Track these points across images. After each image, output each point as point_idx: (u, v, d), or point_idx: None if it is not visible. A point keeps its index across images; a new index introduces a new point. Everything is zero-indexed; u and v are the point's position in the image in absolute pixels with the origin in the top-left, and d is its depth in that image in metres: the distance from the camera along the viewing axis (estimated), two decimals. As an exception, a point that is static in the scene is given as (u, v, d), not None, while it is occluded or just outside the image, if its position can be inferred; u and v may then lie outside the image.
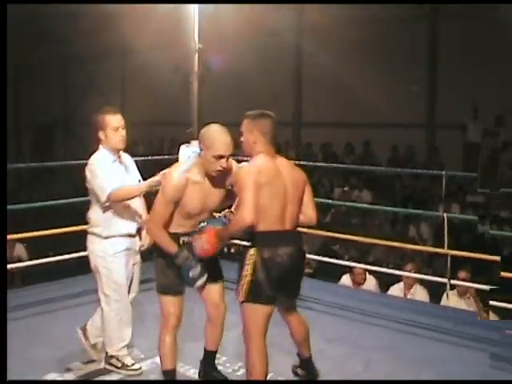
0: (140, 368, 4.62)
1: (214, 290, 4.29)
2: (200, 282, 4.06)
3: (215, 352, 4.45)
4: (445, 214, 6.29)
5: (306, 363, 4.49)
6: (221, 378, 4.46)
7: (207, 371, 4.47)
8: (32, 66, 20.28)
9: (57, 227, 6.56)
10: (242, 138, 4.10)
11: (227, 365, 4.74)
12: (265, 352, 3.95)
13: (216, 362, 4.69)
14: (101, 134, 4.45)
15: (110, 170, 4.39)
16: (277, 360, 4.46)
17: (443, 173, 6.49)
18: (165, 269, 4.07)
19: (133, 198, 4.44)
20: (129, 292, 4.62)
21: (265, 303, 3.93)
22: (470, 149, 12.11)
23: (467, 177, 9.09)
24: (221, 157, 3.87)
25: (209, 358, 4.46)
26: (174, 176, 3.93)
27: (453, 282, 6.26)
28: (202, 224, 4.03)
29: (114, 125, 4.43)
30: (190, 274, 3.98)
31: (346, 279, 7.87)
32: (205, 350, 4.46)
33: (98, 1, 15.48)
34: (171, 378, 4.19)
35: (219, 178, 4.04)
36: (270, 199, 3.86)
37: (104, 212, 4.44)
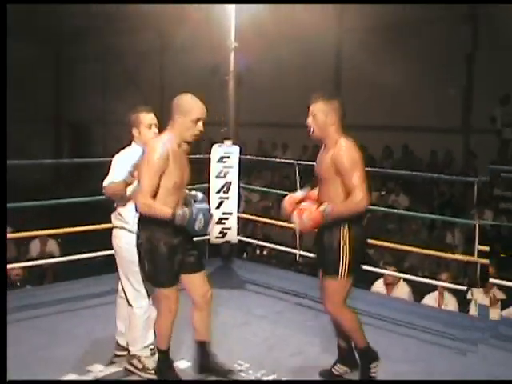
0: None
1: (198, 279, 4.25)
2: (211, 227, 4.14)
3: (209, 342, 4.38)
4: (476, 222, 6.05)
5: (344, 353, 4.46)
6: (222, 368, 4.42)
7: (205, 363, 4.40)
8: (72, 64, 20.45)
9: (92, 224, 6.51)
10: (313, 120, 4.15)
11: (250, 372, 4.60)
12: (354, 311, 4.27)
13: (239, 368, 4.61)
14: (134, 131, 4.53)
15: (132, 164, 4.37)
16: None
17: (476, 179, 6.21)
18: (156, 258, 4.02)
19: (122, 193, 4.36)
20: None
21: (354, 277, 4.18)
22: (504, 144, 11.82)
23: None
24: (198, 120, 4.03)
25: (204, 349, 4.37)
26: (157, 146, 3.95)
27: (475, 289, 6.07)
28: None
29: (147, 122, 4.50)
30: (196, 228, 3.94)
31: (379, 284, 7.72)
32: (198, 342, 4.37)
33: (98, 1, 15.58)
34: (167, 357, 4.25)
35: (184, 152, 4.14)
36: (365, 178, 4.06)
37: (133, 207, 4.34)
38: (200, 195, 4.25)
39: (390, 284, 7.60)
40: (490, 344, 5.36)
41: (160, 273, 4.05)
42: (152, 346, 4.46)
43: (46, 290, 6.82)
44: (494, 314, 6.37)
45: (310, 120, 4.17)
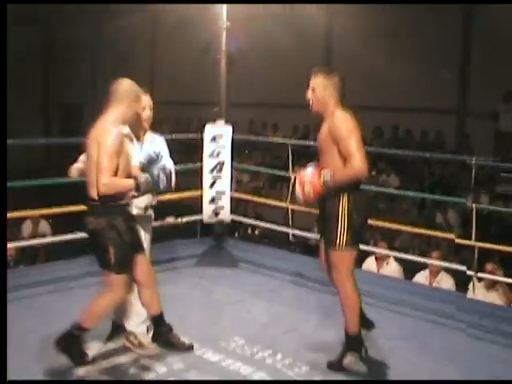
0: (156, 348, 4.49)
1: (143, 259, 4.22)
2: (173, 181, 4.20)
3: (162, 314, 4.37)
4: (473, 205, 6.06)
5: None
6: (180, 342, 4.47)
7: (163, 336, 4.40)
8: (62, 44, 20.32)
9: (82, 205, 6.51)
10: (313, 94, 4.23)
11: (245, 348, 4.62)
12: (358, 290, 4.24)
13: (234, 344, 4.64)
14: None
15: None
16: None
17: (473, 159, 6.11)
18: (121, 244, 4.01)
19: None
20: None
21: (357, 247, 4.24)
22: (501, 138, 11.84)
23: (498, 166, 8.85)
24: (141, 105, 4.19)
25: (160, 322, 4.37)
26: (113, 128, 3.95)
27: (480, 275, 6.07)
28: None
29: (143, 103, 4.42)
30: (162, 187, 4.10)
31: (370, 260, 7.78)
32: (153, 317, 4.35)
33: (99, 1, 15.48)
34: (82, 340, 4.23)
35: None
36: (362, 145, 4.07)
37: None
38: (150, 154, 4.18)
39: (381, 259, 7.65)
40: (482, 325, 5.38)
41: (123, 258, 4.03)
42: (148, 322, 4.48)
43: (39, 269, 6.81)
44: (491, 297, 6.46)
45: (309, 94, 4.25)
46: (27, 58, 19.81)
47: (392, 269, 7.66)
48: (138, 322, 4.50)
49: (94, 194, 3.96)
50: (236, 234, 9.14)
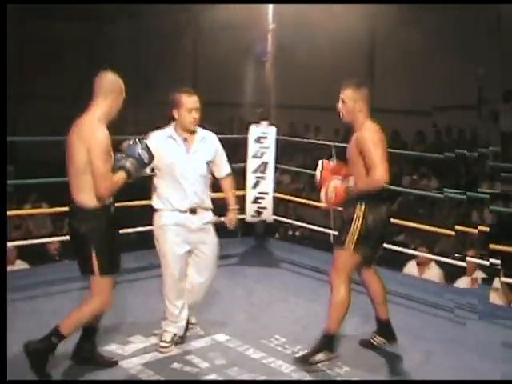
0: (169, 351, 4.55)
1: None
2: (152, 151, 4.05)
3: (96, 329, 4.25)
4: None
5: (384, 326, 4.64)
6: (103, 359, 4.30)
7: (86, 348, 4.22)
8: (106, 41, 20.52)
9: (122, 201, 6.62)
10: (343, 106, 4.38)
11: (286, 346, 4.68)
12: (350, 296, 4.36)
13: (276, 343, 4.71)
14: (174, 113, 4.49)
15: (154, 148, 4.22)
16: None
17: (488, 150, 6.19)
18: (104, 245, 3.93)
19: None
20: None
21: (364, 255, 4.35)
22: (503, 138, 11.64)
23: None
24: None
25: (91, 336, 4.24)
26: (100, 127, 3.82)
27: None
28: None
29: (188, 106, 4.45)
30: (146, 161, 4.01)
31: (411, 265, 7.76)
32: (88, 328, 4.19)
33: (101, 1, 15.58)
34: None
35: None
36: (386, 158, 4.19)
37: (155, 185, 4.61)
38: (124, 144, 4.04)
39: (422, 264, 7.63)
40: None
41: (107, 261, 3.95)
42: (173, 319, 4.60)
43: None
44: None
45: (340, 105, 4.41)
46: (73, 54, 20.12)
47: (433, 273, 7.63)
48: (168, 321, 4.62)
49: (81, 198, 3.84)
50: (276, 235, 9.18)
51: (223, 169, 4.77)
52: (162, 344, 4.56)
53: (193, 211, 4.53)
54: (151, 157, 4.01)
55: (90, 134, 3.75)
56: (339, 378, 4.28)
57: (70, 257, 8.61)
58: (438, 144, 13.73)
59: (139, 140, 4.03)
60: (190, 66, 19.86)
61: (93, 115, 3.86)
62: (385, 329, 4.65)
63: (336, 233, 4.50)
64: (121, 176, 3.87)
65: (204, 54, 19.00)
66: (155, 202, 4.60)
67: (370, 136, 4.22)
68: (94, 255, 3.89)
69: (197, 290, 4.68)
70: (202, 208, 4.57)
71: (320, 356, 4.36)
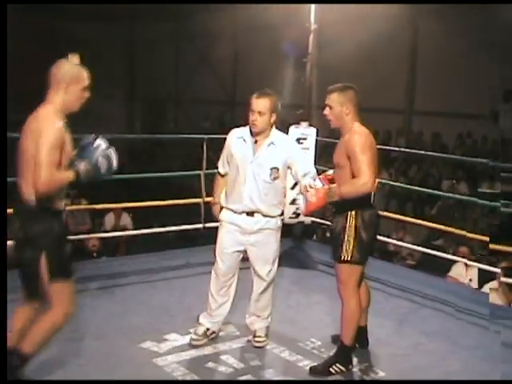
0: (200, 344, 4.62)
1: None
2: (115, 163, 3.62)
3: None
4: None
5: (360, 332, 4.52)
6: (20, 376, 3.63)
7: (12, 365, 3.55)
8: (147, 41, 20.67)
9: (163, 199, 6.67)
10: (330, 111, 4.28)
11: (322, 350, 4.64)
12: (360, 305, 4.35)
13: (311, 346, 4.69)
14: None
15: (227, 144, 4.62)
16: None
17: None
18: (61, 244, 3.63)
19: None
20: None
21: (364, 263, 4.33)
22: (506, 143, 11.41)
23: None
24: (86, 88, 3.67)
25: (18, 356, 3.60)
26: (53, 119, 3.47)
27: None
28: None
29: (251, 107, 4.45)
30: (103, 172, 3.56)
31: (460, 265, 7.69)
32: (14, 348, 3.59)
33: (103, 1, 15.63)
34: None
35: None
36: (373, 164, 4.14)
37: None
38: (85, 141, 3.65)
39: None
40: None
41: (63, 265, 3.60)
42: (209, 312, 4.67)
43: (122, 261, 6.99)
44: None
45: (327, 111, 4.31)
46: (113, 55, 20.32)
47: (475, 272, 7.55)
48: (204, 313, 4.71)
49: (29, 195, 3.47)
50: (314, 237, 9.13)
51: (299, 172, 4.55)
52: (194, 337, 4.63)
53: (249, 214, 4.51)
54: (110, 166, 3.60)
55: (42, 126, 3.43)
56: None
57: (107, 254, 8.74)
58: (475, 148, 13.53)
59: (102, 143, 3.62)
60: (229, 65, 19.89)
61: (48, 108, 3.54)
62: (360, 335, 4.55)
63: (331, 242, 4.39)
64: (67, 175, 3.48)
65: (244, 54, 19.02)
66: (222, 196, 4.67)
67: (358, 140, 4.15)
68: (42, 259, 3.50)
69: (255, 292, 4.70)
70: (259, 213, 4.51)
71: (337, 368, 4.30)
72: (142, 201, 6.73)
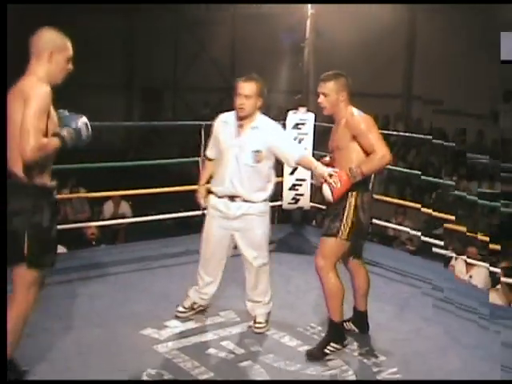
0: (183, 314, 4.78)
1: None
2: (89, 130, 3.57)
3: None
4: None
5: (360, 316, 4.69)
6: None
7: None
8: (146, 29, 20.59)
9: (161, 187, 6.67)
10: (325, 99, 4.29)
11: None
12: (341, 281, 4.35)
13: (312, 331, 4.70)
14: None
15: (214, 129, 4.66)
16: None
17: None
18: (41, 230, 3.39)
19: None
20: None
21: (354, 241, 4.33)
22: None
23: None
24: (70, 58, 3.52)
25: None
26: (40, 84, 3.32)
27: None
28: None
29: (237, 91, 4.44)
30: (84, 137, 3.53)
31: (460, 263, 7.68)
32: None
33: (102, 1, 15.58)
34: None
35: None
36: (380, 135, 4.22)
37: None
38: (62, 112, 3.57)
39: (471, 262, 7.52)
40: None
41: (42, 250, 3.41)
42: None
43: (121, 248, 6.98)
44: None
45: (321, 99, 4.32)
46: (111, 44, 20.26)
47: (480, 272, 7.53)
48: (193, 289, 4.84)
49: (17, 167, 3.31)
50: (314, 222, 9.12)
51: (289, 157, 4.52)
52: (180, 309, 4.78)
53: (231, 198, 4.51)
54: (89, 135, 3.57)
55: (29, 90, 3.25)
56: (375, 368, 4.23)
57: (106, 242, 8.74)
58: (480, 146, 13.43)
59: (77, 115, 3.59)
60: (228, 52, 19.83)
61: (32, 78, 3.35)
62: (360, 320, 4.70)
63: (327, 221, 4.36)
64: (53, 141, 3.32)
65: (242, 40, 18.95)
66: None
67: (361, 119, 4.22)
68: (25, 240, 3.33)
69: (248, 278, 4.69)
70: (239, 198, 4.50)
71: (330, 347, 4.32)
72: (140, 188, 6.72)
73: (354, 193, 4.22)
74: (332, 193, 4.17)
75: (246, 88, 4.42)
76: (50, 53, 3.39)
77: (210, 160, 4.74)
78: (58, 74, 3.45)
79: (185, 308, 4.79)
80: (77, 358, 4.07)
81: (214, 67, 19.20)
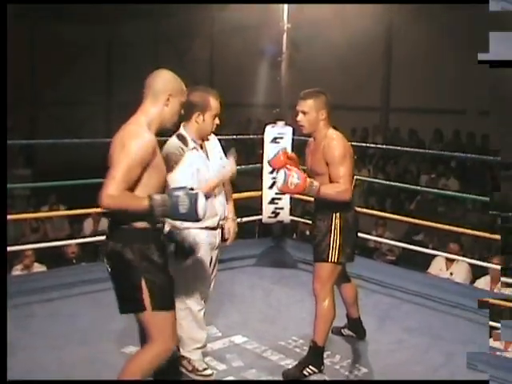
0: (212, 374, 4.24)
1: None
2: (201, 210, 3.12)
3: None
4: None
5: (354, 323, 4.82)
6: None
7: None
8: (124, 44, 20.58)
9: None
10: (304, 117, 4.20)
11: (304, 348, 4.57)
12: (335, 308, 4.31)
13: (294, 344, 4.69)
14: (195, 116, 3.97)
15: (189, 164, 3.97)
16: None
17: None
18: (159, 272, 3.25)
19: None
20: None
21: (344, 261, 4.35)
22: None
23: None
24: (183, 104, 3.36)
25: None
26: (142, 132, 3.14)
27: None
28: None
29: (215, 112, 4.00)
30: (182, 211, 3.09)
31: (440, 259, 7.78)
32: None
33: (101, 1, 15.63)
34: None
35: None
36: (352, 171, 4.20)
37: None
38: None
39: (451, 259, 7.59)
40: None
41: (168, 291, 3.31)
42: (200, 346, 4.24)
43: (102, 266, 6.88)
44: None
45: (300, 117, 4.24)
46: (90, 57, 20.23)
47: (461, 268, 7.61)
48: (191, 349, 4.19)
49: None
50: (294, 235, 9.15)
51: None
52: (206, 372, 4.23)
53: (219, 226, 4.17)
54: (192, 213, 3.12)
55: (126, 135, 3.11)
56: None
57: (86, 259, 8.69)
58: (457, 145, 13.61)
59: (188, 188, 3.17)
60: (205, 66, 19.87)
61: (138, 119, 3.21)
62: (356, 326, 4.83)
63: (314, 243, 4.34)
64: (138, 201, 3.09)
65: (219, 54, 19.03)
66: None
67: (337, 147, 4.14)
68: (143, 285, 3.21)
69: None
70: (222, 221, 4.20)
71: (310, 370, 4.26)
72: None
73: (338, 214, 4.21)
74: (283, 184, 4.00)
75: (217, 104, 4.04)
76: (169, 95, 3.24)
77: None
78: (171, 119, 3.30)
79: (205, 368, 4.23)
80: (59, 377, 4.04)
81: (191, 81, 19.22)
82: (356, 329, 4.83)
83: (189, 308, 4.08)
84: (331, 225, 4.22)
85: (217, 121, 4.04)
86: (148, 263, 3.18)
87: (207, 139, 4.09)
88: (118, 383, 3.78)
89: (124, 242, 3.20)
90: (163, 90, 3.23)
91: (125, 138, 3.10)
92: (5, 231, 3.28)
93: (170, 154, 3.86)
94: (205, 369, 4.20)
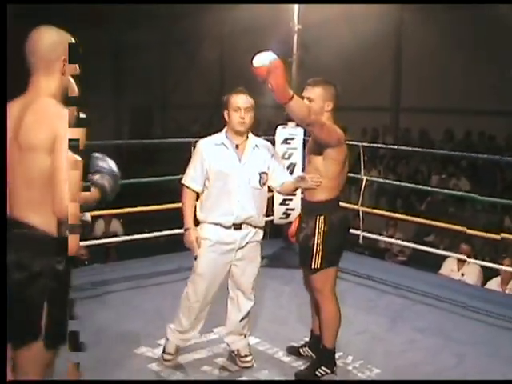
0: (169, 362, 4.34)
1: None
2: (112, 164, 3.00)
3: None
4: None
5: (317, 341, 4.38)
6: None
7: None
8: (133, 46, 20.62)
9: (152, 205, 6.67)
10: (311, 104, 3.94)
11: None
12: (339, 308, 4.20)
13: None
14: (225, 115, 4.12)
15: (201, 157, 4.13)
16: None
17: None
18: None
19: None
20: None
21: (336, 264, 4.18)
22: None
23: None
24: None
25: None
26: (63, 110, 2.59)
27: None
28: None
29: (236, 104, 4.07)
30: (110, 191, 2.94)
31: (451, 260, 7.76)
32: None
33: (101, 1, 15.63)
34: None
35: None
36: (343, 160, 4.04)
37: (201, 195, 4.21)
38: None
39: (462, 260, 7.58)
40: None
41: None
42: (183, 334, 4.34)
43: (113, 267, 6.97)
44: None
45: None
46: (98, 61, 20.27)
47: (472, 269, 7.60)
48: (174, 329, 4.35)
49: (36, 216, 2.59)
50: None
51: (278, 179, 4.23)
52: (166, 357, 4.36)
53: (237, 227, 4.12)
54: (117, 186, 2.99)
55: (56, 126, 2.52)
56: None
57: (98, 260, 8.71)
58: (467, 144, 13.58)
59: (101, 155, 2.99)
60: (216, 67, 19.89)
61: (46, 100, 2.60)
62: (317, 344, 4.39)
63: (298, 250, 4.23)
64: (93, 194, 2.80)
65: (229, 55, 19.04)
66: (198, 213, 4.18)
67: (340, 140, 3.98)
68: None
69: (238, 310, 4.39)
70: (248, 224, 4.15)
71: (322, 371, 4.23)
72: (131, 207, 6.71)
73: (322, 217, 4.02)
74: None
75: (247, 101, 4.12)
76: (63, 61, 2.65)
77: (193, 192, 4.19)
78: (73, 87, 2.73)
79: (171, 354, 4.35)
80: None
81: (202, 84, 19.27)
82: (317, 348, 4.39)
83: (190, 294, 4.25)
84: (315, 229, 4.02)
85: (241, 114, 4.07)
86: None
87: (241, 135, 4.14)
88: (118, 383, 3.88)
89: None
90: (55, 56, 2.62)
91: (52, 127, 2.52)
92: (5, 231, 2.96)
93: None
94: (168, 359, 4.34)
